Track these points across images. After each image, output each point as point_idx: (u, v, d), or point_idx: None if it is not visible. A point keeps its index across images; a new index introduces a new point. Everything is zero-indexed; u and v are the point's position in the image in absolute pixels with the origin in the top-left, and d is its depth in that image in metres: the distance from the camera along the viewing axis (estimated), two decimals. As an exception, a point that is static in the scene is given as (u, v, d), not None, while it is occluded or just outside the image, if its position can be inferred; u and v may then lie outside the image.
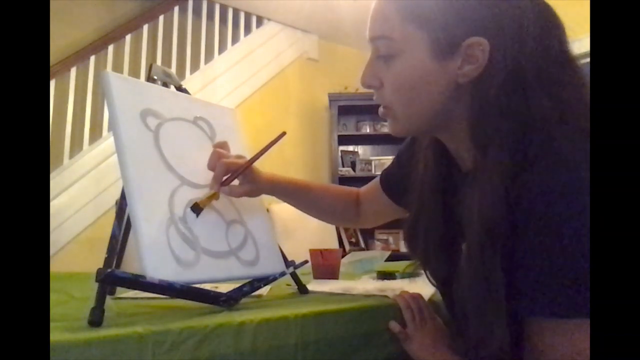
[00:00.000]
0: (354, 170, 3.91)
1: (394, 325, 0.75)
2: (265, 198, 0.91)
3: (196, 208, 0.73)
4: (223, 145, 0.81)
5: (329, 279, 1.09)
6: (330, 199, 0.98)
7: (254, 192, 0.84)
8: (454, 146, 0.67)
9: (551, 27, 0.59)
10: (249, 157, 0.82)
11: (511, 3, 0.57)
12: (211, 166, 0.78)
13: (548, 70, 0.58)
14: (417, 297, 0.80)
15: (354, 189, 1.01)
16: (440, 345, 0.74)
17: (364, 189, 0.99)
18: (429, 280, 0.76)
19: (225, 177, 0.78)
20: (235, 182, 0.80)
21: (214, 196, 0.76)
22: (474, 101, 0.59)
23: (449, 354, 0.72)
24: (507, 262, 0.54)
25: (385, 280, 1.09)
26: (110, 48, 3.15)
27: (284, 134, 0.83)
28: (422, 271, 1.18)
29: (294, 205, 0.96)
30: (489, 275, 0.55)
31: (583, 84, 0.58)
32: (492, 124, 0.57)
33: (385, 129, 3.89)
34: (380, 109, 0.66)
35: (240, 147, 0.88)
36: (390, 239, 3.85)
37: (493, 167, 0.56)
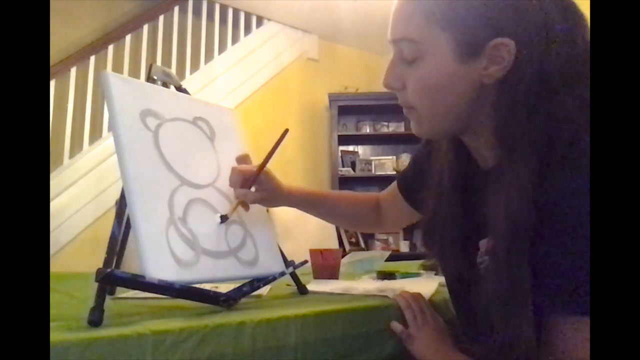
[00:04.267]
0: (354, 170, 3.91)
1: (396, 326, 0.75)
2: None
3: (224, 218, 0.77)
4: (245, 158, 0.84)
5: (329, 279, 1.09)
6: (350, 206, 0.98)
7: (270, 201, 0.85)
8: (475, 145, 0.67)
9: (576, 25, 0.59)
10: (249, 155, 0.83)
11: (536, 2, 0.57)
12: (232, 183, 0.81)
13: (572, 69, 0.57)
14: (417, 296, 0.80)
15: (374, 194, 1.01)
16: (444, 344, 0.74)
17: (383, 193, 0.99)
18: (446, 279, 0.76)
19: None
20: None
21: (238, 205, 0.79)
22: (500, 101, 0.59)
23: (452, 353, 0.72)
24: (532, 259, 0.54)
25: (385, 280, 1.09)
26: (110, 48, 3.15)
27: (286, 131, 0.83)
28: (424, 271, 1.18)
29: (316, 215, 0.97)
30: (515, 273, 0.54)
31: None
32: (519, 123, 0.57)
33: (385, 129, 3.91)
34: (405, 109, 0.66)
35: (240, 147, 0.89)
36: (390, 239, 3.85)
37: (520, 166, 0.56)
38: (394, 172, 3.83)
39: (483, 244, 0.63)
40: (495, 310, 0.57)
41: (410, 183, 0.88)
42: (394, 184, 0.94)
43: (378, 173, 3.88)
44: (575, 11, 0.59)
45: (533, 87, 0.56)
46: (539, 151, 0.56)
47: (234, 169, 0.81)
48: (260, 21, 3.83)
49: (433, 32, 0.58)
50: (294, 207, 0.91)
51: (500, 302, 0.56)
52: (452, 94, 0.60)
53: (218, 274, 0.72)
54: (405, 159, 3.84)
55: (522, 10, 0.56)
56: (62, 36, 3.10)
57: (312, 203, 0.94)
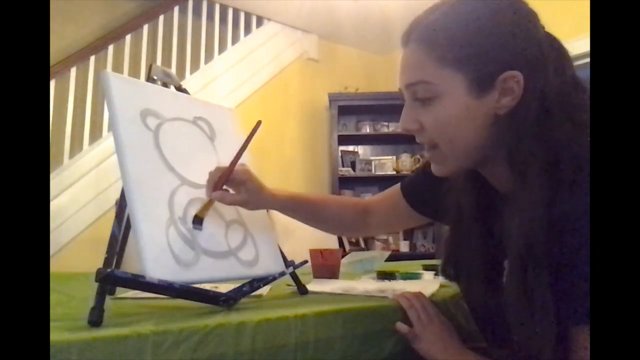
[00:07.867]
0: (354, 170, 3.91)
1: (401, 326, 0.75)
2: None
3: (197, 219, 0.72)
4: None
5: (329, 278, 1.09)
6: (336, 210, 0.96)
7: (250, 204, 0.82)
8: (491, 174, 0.69)
9: (564, 56, 0.64)
10: (249, 158, 0.82)
11: (532, 37, 0.61)
12: (207, 184, 0.77)
13: (566, 96, 0.61)
14: (419, 295, 0.80)
15: (359, 199, 1.01)
16: (451, 341, 0.74)
17: (374, 198, 0.99)
18: (469, 302, 0.76)
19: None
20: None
21: (210, 204, 0.75)
22: (512, 130, 0.61)
23: (461, 350, 0.73)
24: (551, 277, 0.56)
25: (385, 281, 1.09)
26: (110, 48, 3.14)
27: (259, 123, 0.83)
28: (424, 272, 1.18)
29: (301, 220, 0.94)
30: (533, 292, 0.56)
31: None
32: (529, 149, 0.60)
33: (385, 129, 3.90)
34: (426, 153, 0.68)
35: (240, 147, 0.88)
36: (390, 239, 3.84)
37: (533, 190, 0.58)
38: (394, 172, 3.83)
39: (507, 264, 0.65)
40: (517, 328, 0.59)
41: (417, 189, 0.89)
42: (393, 189, 0.93)
43: (378, 173, 3.88)
44: (559, 43, 0.65)
45: (539, 114, 0.60)
46: (548, 174, 0.58)
47: (214, 169, 0.77)
48: (260, 21, 3.83)
49: (447, 73, 0.61)
50: (278, 210, 0.88)
51: (521, 321, 0.58)
52: (470, 127, 0.63)
53: (218, 274, 0.72)
54: (405, 159, 3.84)
55: (522, 43, 0.60)
56: (62, 36, 3.09)
57: (297, 206, 0.91)
